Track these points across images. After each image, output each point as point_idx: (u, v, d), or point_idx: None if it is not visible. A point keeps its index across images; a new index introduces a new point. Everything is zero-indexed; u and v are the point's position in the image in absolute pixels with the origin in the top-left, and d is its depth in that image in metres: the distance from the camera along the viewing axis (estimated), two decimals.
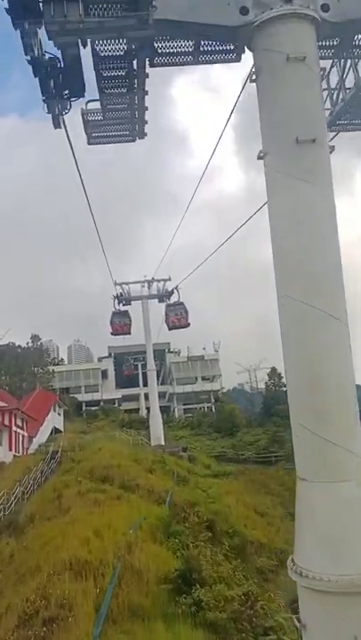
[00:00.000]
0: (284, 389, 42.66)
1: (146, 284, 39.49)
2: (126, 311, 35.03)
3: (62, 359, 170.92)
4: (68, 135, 8.09)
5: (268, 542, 20.45)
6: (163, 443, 35.97)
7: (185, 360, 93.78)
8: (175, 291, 30.61)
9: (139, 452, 31.27)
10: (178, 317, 30.45)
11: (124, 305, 39.81)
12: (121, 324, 34.66)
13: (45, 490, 23.63)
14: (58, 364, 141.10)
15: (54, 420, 57.24)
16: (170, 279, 39.07)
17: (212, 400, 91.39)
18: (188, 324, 29.14)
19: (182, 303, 30.15)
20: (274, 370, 60.45)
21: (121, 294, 38.76)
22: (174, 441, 49.37)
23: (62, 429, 59.62)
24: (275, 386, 54.52)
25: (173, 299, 39.58)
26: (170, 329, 31.34)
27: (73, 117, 8.07)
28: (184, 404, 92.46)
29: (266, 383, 56.88)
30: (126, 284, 39.18)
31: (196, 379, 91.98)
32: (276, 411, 50.13)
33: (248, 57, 6.65)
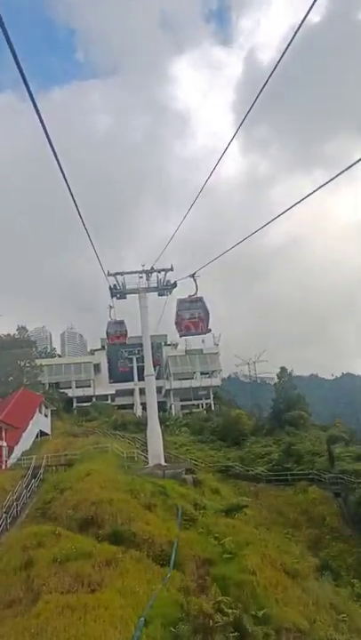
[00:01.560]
0: (297, 391, 37.05)
1: (144, 275, 33.79)
2: (122, 321, 34.32)
3: (54, 348, 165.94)
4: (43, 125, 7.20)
5: (309, 627, 15.05)
6: (162, 462, 30.50)
7: (183, 354, 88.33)
8: (193, 281, 21.04)
9: (135, 480, 25.73)
10: (194, 321, 22.20)
11: (118, 298, 34.23)
12: (117, 334, 33.96)
13: (12, 546, 18.16)
14: (49, 354, 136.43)
15: (40, 422, 51.85)
16: (172, 269, 33.40)
17: (212, 396, 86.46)
18: (209, 331, 22.10)
19: (201, 299, 22.18)
20: (284, 370, 54.94)
21: (115, 286, 33.13)
22: (173, 450, 44.08)
23: (49, 432, 54.34)
24: (284, 388, 49.19)
25: (172, 290, 34.09)
26: (182, 336, 24.30)
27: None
28: (181, 401, 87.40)
29: (275, 385, 51.42)
30: (121, 274, 33.50)
31: (195, 374, 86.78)
32: (290, 419, 44.83)
33: None
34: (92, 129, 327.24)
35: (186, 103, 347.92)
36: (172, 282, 32.64)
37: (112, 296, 33.73)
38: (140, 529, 20.32)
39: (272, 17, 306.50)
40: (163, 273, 33.36)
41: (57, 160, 9.00)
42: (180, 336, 24.80)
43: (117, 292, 33.31)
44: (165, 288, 33.22)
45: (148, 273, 33.48)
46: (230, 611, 13.23)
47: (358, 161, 9.27)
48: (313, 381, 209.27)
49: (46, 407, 55.77)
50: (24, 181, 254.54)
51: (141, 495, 23.97)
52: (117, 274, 33.25)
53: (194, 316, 21.78)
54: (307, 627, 15.23)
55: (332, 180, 10.59)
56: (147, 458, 36.13)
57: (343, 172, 10.09)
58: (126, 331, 34.31)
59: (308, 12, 7.47)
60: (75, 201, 11.77)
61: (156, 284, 33.68)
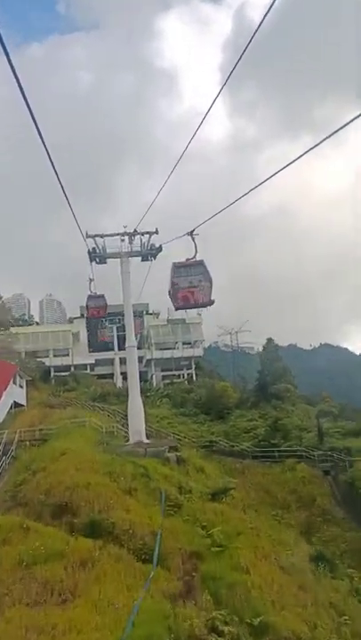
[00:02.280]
0: (282, 363, 35.16)
1: (126, 238, 30.91)
2: (102, 295, 32.96)
3: (32, 315, 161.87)
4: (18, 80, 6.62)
5: (310, 636, 13.37)
6: (144, 438, 28.49)
7: (165, 323, 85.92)
8: (191, 240, 16.21)
9: (114, 460, 23.63)
10: (193, 290, 17.16)
11: (98, 262, 31.39)
12: (97, 307, 32.67)
13: None
14: (27, 321, 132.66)
15: (14, 393, 49.22)
16: (157, 232, 30.58)
17: (193, 367, 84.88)
18: (212, 302, 17.12)
19: (202, 263, 17.13)
20: (270, 341, 53.10)
21: (94, 249, 30.23)
22: (155, 423, 42.22)
23: (25, 403, 51.90)
24: (269, 360, 47.41)
25: (157, 254, 31.42)
26: (178, 308, 18.29)
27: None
28: (162, 371, 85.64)
29: (260, 356, 49.63)
30: (101, 236, 30.56)
31: (177, 344, 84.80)
32: (276, 392, 43.17)
33: None
34: (73, 86, 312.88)
35: (172, 61, 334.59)
36: (157, 245, 29.95)
37: (91, 260, 30.85)
38: (120, 518, 18.35)
39: None
40: (147, 236, 30.61)
41: (33, 118, 8.11)
42: (176, 309, 18.77)
43: (97, 256, 30.45)
44: (150, 252, 30.51)
45: (131, 236, 30.66)
46: (226, 629, 11.33)
47: (343, 127, 8.39)
48: (291, 351, 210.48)
49: (21, 377, 53.11)
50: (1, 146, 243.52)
51: (121, 478, 21.94)
52: (97, 236, 30.33)
53: (193, 285, 17.42)
54: (308, 635, 13.54)
55: (316, 145, 9.27)
56: (127, 433, 34.17)
57: (328, 137, 9.00)
58: (106, 305, 33.31)
59: None
60: (50, 157, 10.01)
61: (139, 249, 30.93)
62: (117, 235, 30.65)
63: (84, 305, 35.98)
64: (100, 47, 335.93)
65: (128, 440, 30.71)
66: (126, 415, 44.44)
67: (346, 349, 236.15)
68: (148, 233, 30.46)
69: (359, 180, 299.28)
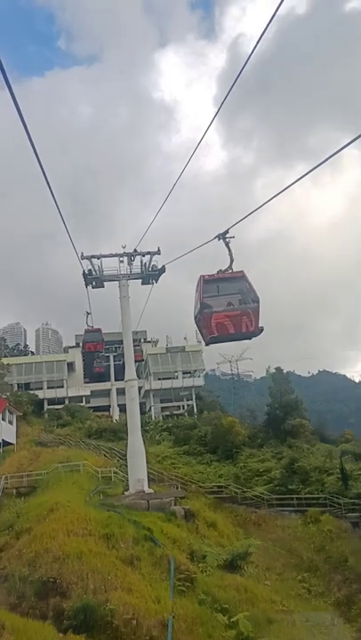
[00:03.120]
0: (294, 397, 31.40)
1: (125, 259, 27.82)
2: (99, 329, 32.25)
3: (27, 345, 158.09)
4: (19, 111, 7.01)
5: None
6: (146, 488, 24.67)
7: (164, 351, 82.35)
8: (224, 245, 12.38)
9: (112, 518, 19.79)
10: (233, 314, 12.55)
11: (94, 287, 28.24)
12: (94, 342, 31.95)
13: None
14: (22, 351, 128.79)
15: (3, 431, 45.32)
16: (159, 252, 27.58)
17: (194, 397, 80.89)
18: (260, 330, 12.72)
19: (243, 275, 12.83)
20: (279, 370, 49.46)
21: (90, 272, 27.10)
22: (156, 463, 38.21)
23: (14, 441, 47.83)
24: (280, 391, 43.75)
25: (159, 277, 28.32)
26: (211, 341, 13.27)
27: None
28: (161, 402, 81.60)
29: (270, 388, 45.96)
30: (97, 257, 27.47)
31: (176, 373, 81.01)
32: (289, 428, 39.24)
33: None
34: (73, 118, 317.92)
35: (170, 94, 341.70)
36: (160, 267, 26.83)
37: (87, 284, 27.72)
38: (121, 601, 14.57)
39: (258, 6, 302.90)
40: (148, 257, 27.56)
41: (33, 148, 8.24)
42: (209, 342, 13.72)
43: (93, 279, 27.33)
44: (151, 274, 27.41)
45: (131, 256, 27.59)
46: None
47: (335, 154, 8.65)
48: (290, 378, 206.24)
49: (11, 413, 49.18)
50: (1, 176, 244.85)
51: (121, 544, 18.12)
52: (93, 257, 27.28)
53: (232, 307, 12.70)
54: None
55: (311, 171, 9.48)
56: (126, 477, 30.32)
57: (321, 164, 8.99)
58: (103, 339, 32.45)
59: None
60: (47, 180, 9.92)
61: (139, 270, 27.82)
62: (115, 255, 27.60)
63: (80, 334, 33.99)
64: (100, 80, 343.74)
65: (127, 488, 26.88)
66: (124, 455, 40.68)
67: (344, 376, 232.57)
68: (148, 253, 27.47)
69: (354, 206, 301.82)
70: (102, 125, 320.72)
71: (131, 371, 26.32)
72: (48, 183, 10.19)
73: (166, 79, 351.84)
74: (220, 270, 13.21)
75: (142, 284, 28.71)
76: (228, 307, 13.03)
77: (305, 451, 35.57)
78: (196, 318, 13.73)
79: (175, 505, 23.74)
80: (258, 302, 13.23)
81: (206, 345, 14.77)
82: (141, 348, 77.99)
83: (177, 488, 29.56)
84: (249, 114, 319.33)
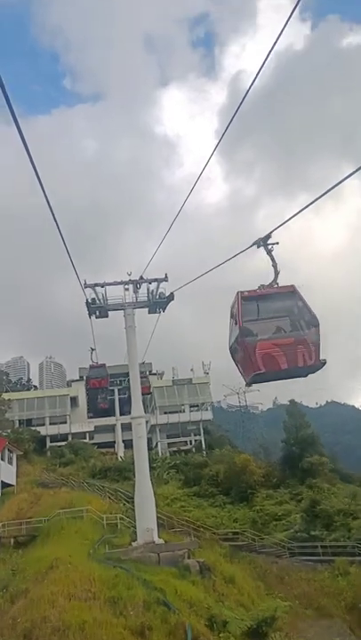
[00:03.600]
0: (310, 431, 28.65)
1: (130, 287, 26.21)
2: (103, 365, 31.75)
3: (30, 379, 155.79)
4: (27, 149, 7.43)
5: None
6: (156, 538, 22.21)
7: (170, 384, 79.96)
8: (266, 253, 9.67)
9: (119, 577, 17.39)
10: (289, 342, 9.81)
11: (98, 316, 26.50)
12: (98, 378, 32.29)
13: None
14: (25, 385, 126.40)
15: (2, 471, 42.87)
16: (166, 279, 25.92)
17: (202, 432, 77.90)
18: (323, 364, 9.88)
19: (294, 291, 10.20)
20: (293, 403, 47.03)
21: (94, 300, 25.43)
22: (165, 506, 35.54)
23: (14, 482, 45.22)
24: (296, 427, 41.13)
25: (166, 305, 26.65)
26: (252, 382, 10.46)
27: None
28: (168, 437, 78.63)
29: (285, 423, 43.41)
30: (101, 285, 25.85)
31: (183, 406, 78.36)
32: (307, 466, 36.59)
33: None
34: (78, 154, 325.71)
35: (172, 130, 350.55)
36: (168, 294, 25.13)
37: (90, 313, 25.99)
38: None
39: (257, 43, 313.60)
40: (154, 284, 25.90)
41: (40, 183, 8.63)
42: (251, 382, 10.71)
43: (97, 309, 25.61)
44: (158, 303, 25.69)
45: (136, 284, 25.95)
46: None
47: (334, 187, 8.03)
48: (297, 410, 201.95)
49: (11, 452, 46.73)
50: (8, 209, 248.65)
51: (129, 610, 15.67)
52: (97, 285, 25.66)
53: (283, 333, 9.92)
54: None
55: (312, 203, 8.73)
56: (133, 524, 27.77)
57: (321, 196, 8.34)
58: (108, 375, 31.93)
59: (277, 38, 7.30)
60: (52, 210, 9.93)
61: (145, 298, 26.14)
62: (120, 283, 25.98)
63: (84, 367, 31.85)
64: (104, 117, 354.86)
65: (135, 537, 24.39)
66: (130, 497, 38.01)
67: (353, 407, 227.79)
68: (156, 280, 25.82)
69: (357, 236, 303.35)
70: (107, 160, 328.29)
71: (138, 406, 24.22)
72: (51, 209, 9.78)
73: (169, 115, 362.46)
74: (263, 286, 10.37)
75: (149, 312, 27.00)
76: (278, 333, 10.05)
77: (326, 491, 32.92)
78: (231, 349, 10.66)
79: (189, 558, 21.21)
80: (317, 326, 10.36)
81: (247, 385, 11.65)
82: (149, 380, 75.58)
83: (190, 536, 26.97)
84: (250, 145, 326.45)
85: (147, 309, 26.65)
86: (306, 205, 8.71)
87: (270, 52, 7.89)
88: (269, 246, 9.77)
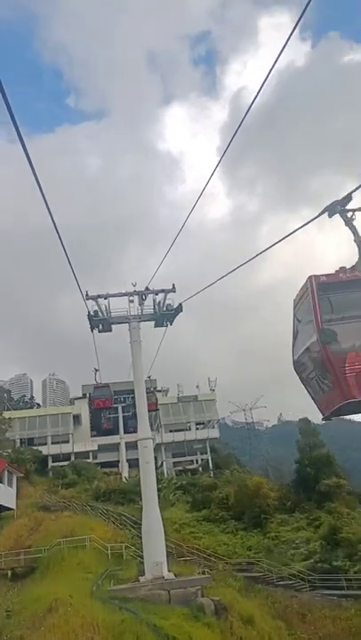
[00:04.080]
0: (325, 451, 26.59)
1: (135, 299, 24.60)
2: (107, 385, 31.29)
3: (33, 397, 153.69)
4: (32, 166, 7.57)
5: None
6: (165, 572, 20.19)
7: (175, 401, 77.71)
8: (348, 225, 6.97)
9: (126, 622, 15.40)
10: None
11: (101, 330, 24.86)
12: (102, 399, 31.58)
13: None
14: (28, 403, 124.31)
15: (2, 495, 40.88)
16: (174, 289, 24.31)
17: (209, 450, 75.44)
18: None
19: None
20: (306, 421, 44.91)
21: (96, 313, 23.81)
22: (172, 532, 33.33)
23: (14, 506, 43.11)
24: (310, 446, 38.93)
25: (174, 318, 25.09)
26: (334, 414, 7.23)
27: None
28: (173, 456, 76.15)
29: (297, 443, 41.21)
30: (105, 297, 24.24)
31: (189, 424, 76.05)
32: (325, 489, 34.29)
33: None
34: (82, 171, 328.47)
35: (175, 147, 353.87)
36: (176, 305, 23.51)
37: (92, 327, 24.36)
38: None
39: (259, 60, 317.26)
40: (161, 295, 24.30)
41: (44, 199, 8.73)
42: (333, 415, 7.58)
43: (99, 322, 23.99)
44: (166, 315, 24.05)
45: (142, 295, 24.35)
46: None
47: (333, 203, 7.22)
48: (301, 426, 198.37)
49: (11, 473, 44.70)
50: (10, 225, 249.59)
51: None
52: (99, 297, 24.04)
53: None
54: None
55: (313, 220, 8.04)
56: (139, 553, 25.71)
57: (321, 213, 7.50)
58: (112, 396, 31.81)
59: (278, 56, 7.03)
60: (55, 225, 10.12)
61: (151, 311, 24.51)
62: (125, 295, 24.38)
63: (87, 384, 30.55)
64: (107, 135, 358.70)
65: (142, 571, 22.37)
66: (136, 522, 35.86)
67: (359, 422, 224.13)
68: (163, 291, 24.23)
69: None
70: (110, 177, 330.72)
71: (144, 427, 22.39)
72: (51, 214, 9.58)
73: (171, 132, 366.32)
74: (345, 270, 7.57)
75: (155, 326, 25.38)
76: None
77: (345, 516, 30.69)
78: (297, 363, 7.85)
79: (202, 595, 19.16)
80: None
81: (325, 419, 8.42)
82: (155, 396, 73.59)
83: (200, 567, 24.82)
84: (252, 161, 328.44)
85: (152, 323, 25.05)
86: (300, 226, 8.52)
87: (271, 69, 7.55)
88: (349, 214, 7.22)
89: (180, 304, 23.26)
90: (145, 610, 17.59)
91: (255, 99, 8.80)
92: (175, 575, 21.44)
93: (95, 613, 16.24)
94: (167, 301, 24.15)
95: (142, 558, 23.46)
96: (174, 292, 24.18)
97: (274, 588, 25.36)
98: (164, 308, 24.12)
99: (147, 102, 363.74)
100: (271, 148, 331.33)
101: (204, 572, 24.06)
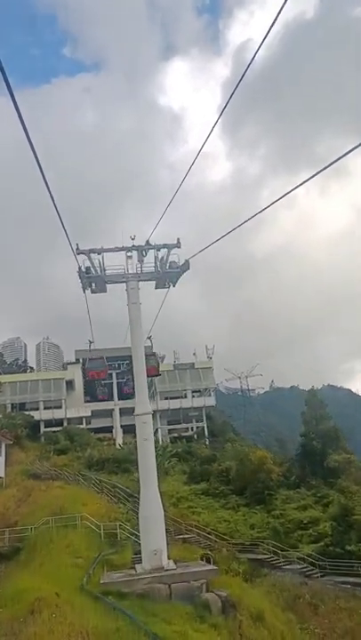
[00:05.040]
0: (332, 424, 24.26)
1: (134, 255, 21.42)
2: (102, 357, 31.11)
3: (26, 360, 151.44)
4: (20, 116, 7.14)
5: None
6: (165, 562, 17.95)
7: (171, 369, 75.68)
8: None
9: (121, 632, 13.08)
10: None
11: (94, 291, 21.84)
12: (96, 370, 31.79)
13: None
14: (20, 367, 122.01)
15: None
16: (179, 244, 21.14)
17: (205, 418, 74.08)
18: None
19: None
20: (312, 393, 42.66)
21: (88, 269, 20.68)
22: (170, 505, 31.38)
23: (3, 474, 41.08)
24: (316, 419, 36.72)
25: (178, 277, 22.24)
26: None
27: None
28: (169, 423, 74.83)
29: (303, 415, 38.93)
30: (98, 252, 21.03)
31: (185, 392, 74.36)
32: (335, 466, 32.17)
33: None
34: (78, 125, 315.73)
35: (176, 104, 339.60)
36: (182, 262, 20.42)
37: (84, 287, 21.31)
38: None
39: (266, 10, 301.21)
40: (164, 250, 21.14)
41: (34, 153, 8.33)
42: None
43: (92, 280, 20.91)
44: (169, 274, 21.00)
45: (142, 250, 21.17)
46: None
47: (338, 159, 8.09)
48: (293, 393, 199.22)
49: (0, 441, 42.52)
50: (2, 183, 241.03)
51: None
52: (92, 251, 20.86)
53: None
54: None
55: (312, 177, 9.48)
56: (134, 532, 23.63)
57: (324, 169, 8.80)
58: (106, 367, 31.91)
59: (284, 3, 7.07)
60: (44, 175, 9.39)
61: (153, 269, 21.39)
62: (122, 249, 21.20)
63: (81, 349, 28.05)
64: (105, 88, 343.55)
65: (137, 550, 20.24)
66: (130, 495, 33.93)
67: (349, 390, 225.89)
68: (165, 246, 21.05)
69: (360, 218, 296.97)
70: (107, 133, 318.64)
71: (143, 400, 19.68)
72: (40, 167, 8.97)
73: (172, 87, 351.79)
74: None
75: (156, 287, 22.34)
76: None
77: (356, 495, 28.62)
78: None
79: (207, 590, 16.96)
80: None
81: None
82: (157, 359, 71.52)
83: (204, 554, 22.64)
84: (254, 122, 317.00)
85: (152, 284, 22.01)
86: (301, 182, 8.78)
87: (276, 17, 7.61)
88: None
89: (187, 261, 20.19)
90: (143, 609, 15.37)
91: (259, 49, 8.38)
92: (175, 562, 19.26)
93: (85, 618, 13.88)
94: (171, 258, 21.00)
95: (138, 537, 21.34)
96: (179, 247, 21.06)
97: (281, 573, 23.47)
98: (167, 267, 21.02)
99: (146, 54, 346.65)
100: (275, 107, 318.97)
101: (206, 557, 21.94)
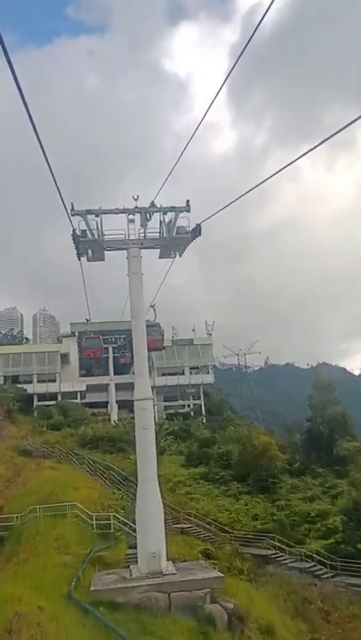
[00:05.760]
0: (340, 409, 22.09)
1: (136, 217, 18.71)
2: (98, 336, 31.44)
3: (21, 331, 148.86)
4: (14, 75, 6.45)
5: None
6: (164, 565, 15.94)
7: (169, 344, 73.37)
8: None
9: None
10: None
11: (90, 259, 19.30)
12: (92, 349, 32.14)
13: None
14: (16, 337, 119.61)
15: None
16: (188, 207, 18.43)
17: (202, 396, 72.38)
18: None
19: None
20: (319, 374, 40.51)
21: (84, 233, 18.00)
22: (167, 490, 29.47)
23: None
24: (323, 403, 34.72)
25: (187, 246, 19.81)
26: None
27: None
28: (165, 400, 73.01)
29: (310, 398, 36.91)
30: (95, 213, 18.29)
31: (183, 369, 72.46)
32: (344, 454, 30.23)
33: None
34: (79, 90, 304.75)
35: (182, 70, 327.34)
36: (194, 226, 17.78)
37: (79, 253, 18.72)
38: None
39: None
40: (171, 214, 18.45)
41: (30, 118, 7.72)
42: None
43: (88, 246, 18.27)
44: (177, 240, 18.38)
45: (146, 213, 18.46)
46: None
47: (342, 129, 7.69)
48: (288, 370, 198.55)
49: None
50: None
51: None
52: (89, 212, 18.13)
53: None
54: None
55: (315, 147, 9.02)
56: (128, 522, 21.73)
57: (326, 140, 8.44)
58: (102, 345, 32.44)
59: None
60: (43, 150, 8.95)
61: (157, 235, 18.73)
62: (123, 212, 18.50)
63: (77, 322, 26.41)
64: (109, 51, 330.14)
65: (132, 544, 18.32)
66: (125, 478, 32.11)
67: (344, 369, 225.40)
68: (173, 209, 18.35)
69: None
70: (111, 98, 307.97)
71: (143, 383, 17.37)
72: (35, 130, 8.12)
73: (178, 54, 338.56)
74: None
75: (160, 256, 19.76)
76: None
77: None
78: None
79: (212, 601, 15.00)
80: None
81: None
82: (162, 332, 69.42)
83: (204, 549, 20.76)
84: (261, 90, 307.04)
85: (156, 252, 19.42)
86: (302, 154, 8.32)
87: None
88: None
89: (199, 225, 17.53)
90: (139, 624, 13.40)
91: (268, 10, 7.57)
92: (174, 562, 17.32)
93: (71, 638, 11.82)
94: (179, 223, 18.33)
95: (133, 526, 19.42)
96: (188, 210, 18.38)
97: (288, 572, 21.75)
98: (174, 232, 18.36)
99: (153, 17, 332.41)
100: (284, 75, 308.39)
101: (207, 552, 20.05)
